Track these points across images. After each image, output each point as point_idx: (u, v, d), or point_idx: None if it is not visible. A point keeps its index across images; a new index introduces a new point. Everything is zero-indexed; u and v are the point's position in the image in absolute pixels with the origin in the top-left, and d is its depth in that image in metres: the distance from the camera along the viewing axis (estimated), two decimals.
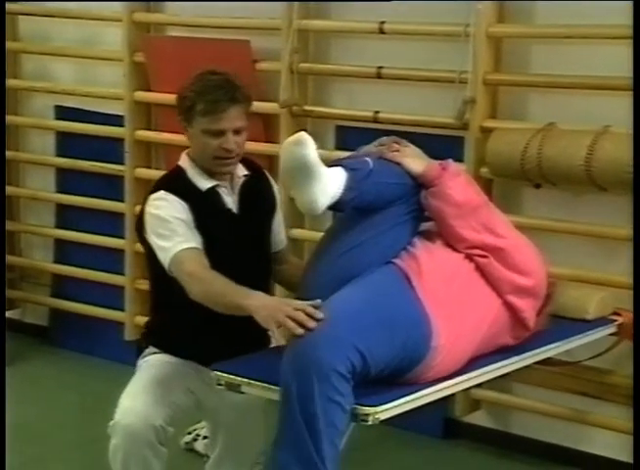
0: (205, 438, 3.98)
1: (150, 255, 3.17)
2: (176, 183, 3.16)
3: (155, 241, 3.08)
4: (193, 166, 3.18)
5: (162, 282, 3.17)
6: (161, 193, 3.12)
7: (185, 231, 3.05)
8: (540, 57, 3.89)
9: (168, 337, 3.25)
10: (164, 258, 3.04)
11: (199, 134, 3.12)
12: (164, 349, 3.25)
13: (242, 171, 3.24)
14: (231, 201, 3.21)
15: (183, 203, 3.09)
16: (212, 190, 3.17)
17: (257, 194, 3.27)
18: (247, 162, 3.26)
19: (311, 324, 2.64)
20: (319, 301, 2.74)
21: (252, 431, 3.35)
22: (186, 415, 3.26)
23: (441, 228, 3.04)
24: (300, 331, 2.64)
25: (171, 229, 3.05)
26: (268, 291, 3.25)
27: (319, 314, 2.66)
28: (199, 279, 2.97)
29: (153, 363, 3.23)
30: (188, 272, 2.98)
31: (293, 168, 2.76)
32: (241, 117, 3.12)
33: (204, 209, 3.11)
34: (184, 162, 3.22)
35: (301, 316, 2.66)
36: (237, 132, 3.12)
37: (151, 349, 3.29)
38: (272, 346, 3.20)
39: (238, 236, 3.17)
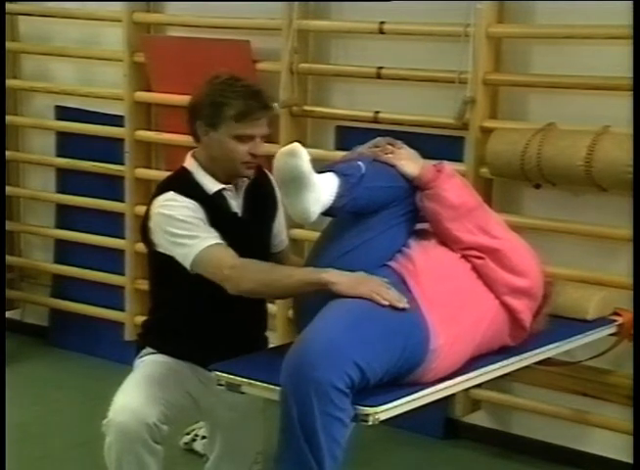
0: (203, 438, 3.97)
1: (151, 256, 3.17)
2: (184, 185, 3.14)
3: (171, 240, 3.04)
4: (199, 169, 3.17)
5: (163, 283, 3.17)
6: (171, 194, 3.09)
7: (206, 228, 3.04)
8: (540, 57, 3.89)
9: (165, 337, 3.25)
10: (186, 255, 3.00)
11: (225, 139, 3.10)
12: (161, 349, 3.25)
13: None
14: (236, 204, 3.20)
15: (195, 202, 3.08)
16: (219, 193, 3.16)
17: (261, 196, 3.27)
18: None
19: (401, 305, 2.71)
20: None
21: (251, 431, 3.35)
22: (183, 415, 3.26)
23: (437, 230, 3.04)
24: (385, 302, 2.70)
25: (190, 228, 3.02)
26: None
27: (404, 300, 2.75)
28: (248, 269, 2.95)
29: (148, 363, 3.23)
30: (231, 265, 2.95)
31: (286, 179, 2.77)
32: (267, 125, 3.16)
33: (210, 212, 3.10)
34: (190, 164, 3.20)
35: (392, 295, 2.72)
36: (262, 139, 3.15)
37: (147, 349, 3.29)
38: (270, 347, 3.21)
39: (243, 239, 3.16)
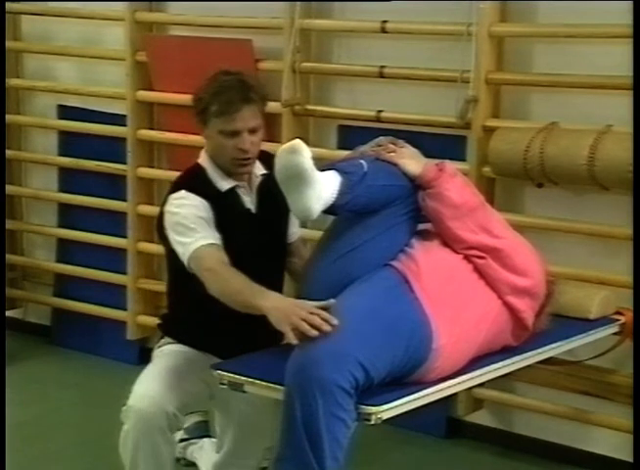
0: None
1: (169, 252, 3.20)
2: (196, 182, 3.18)
3: (174, 238, 3.10)
4: (212, 166, 3.21)
5: (181, 278, 3.19)
6: (182, 192, 3.14)
7: (205, 228, 3.07)
8: (543, 56, 3.89)
9: (184, 329, 3.27)
10: (183, 254, 3.06)
11: (215, 135, 3.15)
12: (180, 340, 3.27)
13: (260, 170, 3.26)
14: (249, 200, 3.23)
15: (204, 201, 3.11)
16: (232, 190, 3.19)
17: (276, 192, 3.27)
18: (266, 159, 3.21)
19: (326, 328, 2.64)
20: (332, 301, 2.74)
21: (263, 426, 3.35)
22: (199, 404, 3.26)
23: (439, 229, 3.04)
24: (314, 333, 2.64)
25: (191, 227, 3.06)
26: (282, 285, 3.29)
27: (334, 320, 2.65)
28: (217, 276, 2.98)
29: (168, 352, 3.26)
30: (207, 268, 3.00)
31: (287, 176, 2.77)
32: (255, 117, 3.15)
33: (223, 209, 3.14)
34: (204, 160, 3.24)
35: (317, 320, 2.66)
36: (252, 132, 3.14)
37: (166, 339, 3.32)
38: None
39: (256, 235, 3.18)
